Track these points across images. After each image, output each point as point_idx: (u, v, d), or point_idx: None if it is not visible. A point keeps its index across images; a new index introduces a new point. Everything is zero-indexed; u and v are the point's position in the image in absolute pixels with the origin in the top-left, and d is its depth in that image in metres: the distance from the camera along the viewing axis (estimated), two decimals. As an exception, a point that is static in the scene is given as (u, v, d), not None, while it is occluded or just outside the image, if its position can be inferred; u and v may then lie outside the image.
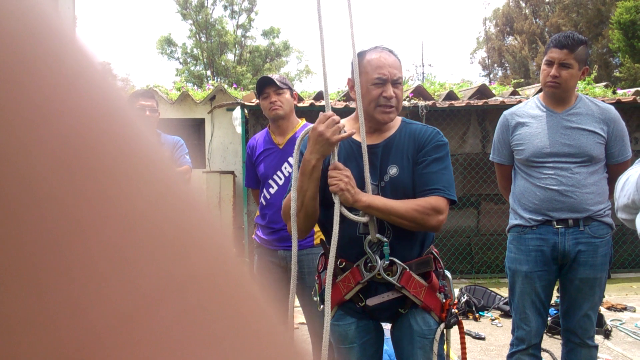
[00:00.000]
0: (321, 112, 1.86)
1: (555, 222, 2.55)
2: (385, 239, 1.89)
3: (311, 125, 2.97)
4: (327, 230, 1.99)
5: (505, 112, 2.76)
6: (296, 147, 1.91)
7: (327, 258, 2.00)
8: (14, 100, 0.15)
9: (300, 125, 3.00)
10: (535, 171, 2.59)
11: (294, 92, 3.01)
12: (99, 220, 0.15)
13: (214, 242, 0.18)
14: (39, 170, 0.15)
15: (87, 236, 0.15)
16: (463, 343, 2.11)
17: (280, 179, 2.90)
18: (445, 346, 2.06)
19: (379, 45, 2.04)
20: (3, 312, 0.13)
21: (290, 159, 2.88)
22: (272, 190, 2.93)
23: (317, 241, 2.89)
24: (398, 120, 2.05)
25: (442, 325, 1.95)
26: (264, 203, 2.99)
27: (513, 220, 2.70)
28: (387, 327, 2.13)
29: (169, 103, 7.20)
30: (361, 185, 1.87)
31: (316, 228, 2.88)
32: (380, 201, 1.84)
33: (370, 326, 2.05)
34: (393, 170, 1.94)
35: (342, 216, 1.81)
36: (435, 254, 2.05)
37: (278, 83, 2.86)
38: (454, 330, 2.13)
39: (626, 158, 2.58)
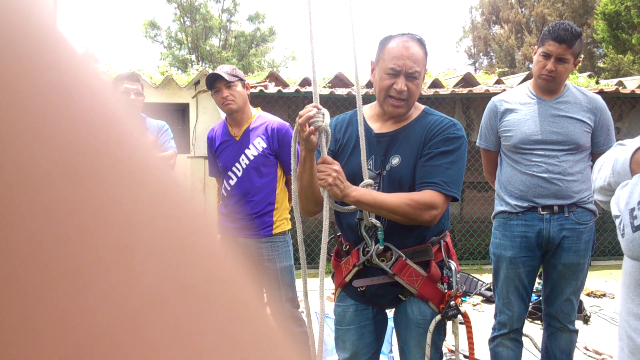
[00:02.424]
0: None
1: (540, 209, 2.58)
2: (379, 224, 1.87)
3: (264, 114, 2.99)
4: (337, 216, 2.05)
5: (494, 98, 2.78)
6: (293, 139, 1.90)
7: (338, 244, 2.09)
8: None
9: (255, 116, 2.99)
10: (522, 158, 2.61)
11: (246, 82, 2.99)
12: (81, 219, 0.15)
13: (203, 238, 0.18)
14: (24, 166, 0.14)
15: (76, 236, 0.14)
16: (470, 338, 2.04)
17: (239, 170, 2.91)
18: (455, 340, 2.03)
19: (408, 32, 1.94)
20: (5, 313, 0.13)
21: (247, 151, 2.89)
22: (231, 182, 2.95)
23: (276, 230, 2.91)
24: (418, 110, 2.00)
25: (438, 317, 1.92)
26: (225, 194, 3.01)
27: (499, 207, 2.73)
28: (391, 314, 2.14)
29: (152, 87, 7.11)
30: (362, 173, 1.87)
31: (280, 217, 2.92)
32: (370, 196, 1.79)
33: (370, 312, 2.05)
34: (395, 161, 1.90)
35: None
36: (445, 243, 2.01)
37: (227, 77, 2.83)
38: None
39: (610, 147, 2.61)
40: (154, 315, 0.15)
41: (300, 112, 1.77)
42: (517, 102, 2.69)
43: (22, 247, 0.14)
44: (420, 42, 1.92)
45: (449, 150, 1.86)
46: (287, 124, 2.96)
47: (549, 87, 2.61)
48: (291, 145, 1.87)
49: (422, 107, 2.02)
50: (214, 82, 2.87)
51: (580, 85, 6.91)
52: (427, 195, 1.81)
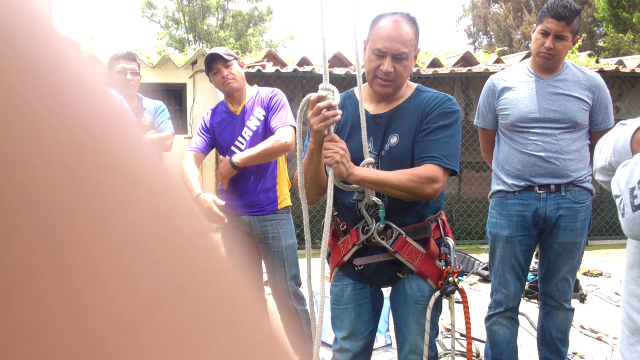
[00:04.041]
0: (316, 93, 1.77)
1: (537, 188, 2.58)
2: (380, 202, 1.89)
3: (259, 89, 2.96)
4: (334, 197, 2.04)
5: (492, 77, 2.76)
6: (297, 118, 1.89)
7: (335, 224, 2.09)
8: None
9: (254, 92, 2.98)
10: (520, 136, 2.61)
11: (241, 61, 2.99)
12: (75, 221, 0.14)
13: (199, 240, 0.18)
14: (15, 165, 0.14)
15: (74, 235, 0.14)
16: (467, 314, 2.05)
17: (242, 144, 2.89)
18: (451, 317, 2.06)
19: (399, 12, 1.93)
20: (2, 317, 0.13)
21: (249, 122, 2.87)
22: None
23: (281, 205, 2.90)
24: (411, 88, 2.01)
25: (437, 293, 1.95)
26: None
27: (495, 186, 2.73)
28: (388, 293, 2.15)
29: (149, 67, 7.06)
30: (362, 155, 1.88)
31: (282, 191, 2.91)
32: (374, 174, 1.82)
33: (367, 291, 2.07)
34: (393, 140, 1.92)
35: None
36: (442, 220, 2.04)
37: (225, 56, 2.83)
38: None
39: (609, 125, 2.60)
40: (148, 319, 0.14)
41: (312, 99, 1.75)
42: (515, 80, 2.67)
43: (14, 250, 0.13)
44: (411, 21, 1.91)
45: (446, 125, 1.89)
46: (276, 89, 2.97)
47: (548, 65, 2.59)
48: (295, 120, 1.86)
49: (415, 85, 2.04)
50: (212, 64, 2.86)
51: (580, 64, 6.89)
52: (428, 169, 1.84)
